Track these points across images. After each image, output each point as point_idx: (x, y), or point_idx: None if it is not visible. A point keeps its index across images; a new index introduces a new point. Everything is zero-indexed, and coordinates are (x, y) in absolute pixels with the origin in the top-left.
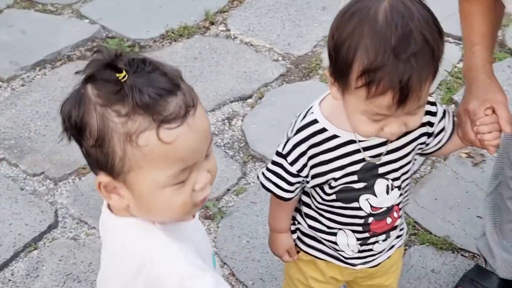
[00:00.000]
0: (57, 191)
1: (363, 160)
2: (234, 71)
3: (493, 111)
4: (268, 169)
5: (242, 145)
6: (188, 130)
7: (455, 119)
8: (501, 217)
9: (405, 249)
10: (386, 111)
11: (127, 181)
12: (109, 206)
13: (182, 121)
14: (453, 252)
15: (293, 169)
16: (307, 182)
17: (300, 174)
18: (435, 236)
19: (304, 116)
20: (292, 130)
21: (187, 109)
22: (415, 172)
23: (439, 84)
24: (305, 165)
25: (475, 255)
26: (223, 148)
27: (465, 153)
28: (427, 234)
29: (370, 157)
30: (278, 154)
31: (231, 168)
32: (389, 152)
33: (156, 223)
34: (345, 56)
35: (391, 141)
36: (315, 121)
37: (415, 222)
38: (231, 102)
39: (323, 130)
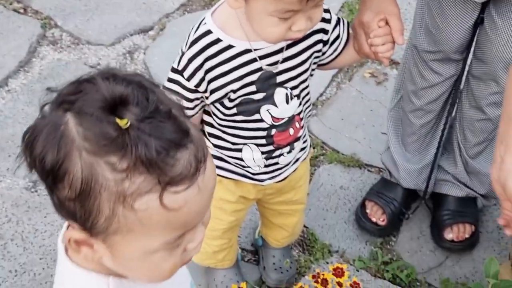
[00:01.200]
0: None
1: (260, 69)
2: (133, 3)
3: (387, 23)
4: (164, 88)
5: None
6: (197, 192)
7: (351, 31)
8: (403, 130)
9: (315, 169)
10: (297, 5)
11: (109, 241)
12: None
13: (191, 182)
14: (360, 168)
15: (191, 84)
16: (206, 98)
17: (198, 89)
18: (343, 154)
19: (197, 28)
20: (186, 43)
21: (198, 166)
22: (321, 94)
23: (341, 6)
24: (202, 80)
25: (381, 169)
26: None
27: (369, 72)
28: (335, 153)
29: (267, 65)
30: (174, 70)
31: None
32: (285, 59)
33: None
34: None
35: (287, 48)
36: (208, 32)
37: (323, 142)
38: (132, 35)
39: (218, 40)
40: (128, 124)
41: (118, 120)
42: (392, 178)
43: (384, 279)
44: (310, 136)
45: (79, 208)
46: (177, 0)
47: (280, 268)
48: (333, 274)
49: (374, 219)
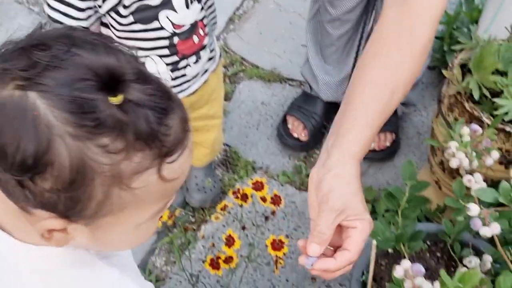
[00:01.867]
0: None
1: None
2: None
3: None
4: None
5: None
6: (188, 155)
7: None
8: (322, 41)
9: (235, 87)
10: None
11: (94, 224)
12: None
13: (184, 146)
14: (281, 83)
15: None
16: (99, 6)
17: None
18: (263, 69)
19: None
20: None
21: (186, 127)
22: (237, 9)
23: None
24: None
25: (301, 83)
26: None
27: None
28: (255, 69)
29: None
30: None
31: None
32: None
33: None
34: None
35: None
36: None
37: (242, 58)
38: None
39: None
40: (122, 99)
41: (111, 98)
42: (312, 91)
43: None
44: (228, 52)
45: (65, 198)
46: None
47: (203, 188)
48: (252, 188)
49: (295, 135)
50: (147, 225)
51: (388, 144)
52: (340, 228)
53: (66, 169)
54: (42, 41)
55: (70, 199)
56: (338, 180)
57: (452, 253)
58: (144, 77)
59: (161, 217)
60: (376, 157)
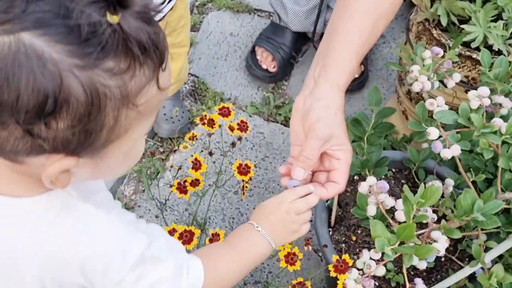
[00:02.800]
0: None
1: None
2: None
3: None
4: None
5: None
6: (170, 59)
7: None
8: None
9: (203, 17)
10: None
11: (100, 153)
12: None
13: (168, 52)
14: (250, 14)
15: None
16: None
17: None
18: (231, 0)
19: None
20: None
21: (164, 34)
22: None
23: None
24: None
25: (270, 14)
26: None
27: None
28: None
29: None
30: None
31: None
32: None
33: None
34: None
35: None
36: None
37: None
38: None
39: None
40: (120, 17)
41: (109, 17)
42: (281, 22)
43: (277, 122)
44: None
45: (79, 133)
46: None
47: (171, 118)
48: (219, 114)
49: (264, 66)
50: (139, 144)
51: (357, 75)
52: (322, 156)
53: (81, 103)
54: None
55: (84, 133)
56: (326, 110)
57: (416, 180)
58: None
59: None
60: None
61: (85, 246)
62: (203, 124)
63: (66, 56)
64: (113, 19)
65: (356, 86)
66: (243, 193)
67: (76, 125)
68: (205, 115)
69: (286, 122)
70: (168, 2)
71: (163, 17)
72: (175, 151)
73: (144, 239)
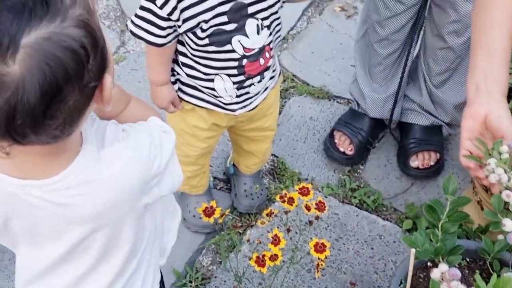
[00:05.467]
0: None
1: (232, 0)
2: None
3: None
4: (137, 16)
5: (118, 14)
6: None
7: None
8: (369, 60)
9: (285, 101)
10: None
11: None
12: None
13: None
14: (329, 100)
15: (163, 12)
16: (179, 26)
17: (171, 17)
18: (312, 86)
19: None
20: None
21: None
22: (291, 28)
23: None
24: (174, 8)
25: (349, 101)
26: (99, 19)
27: (339, 6)
28: (305, 86)
29: None
30: None
31: (109, 38)
32: None
33: None
34: None
35: None
36: None
37: (294, 75)
38: None
39: None
40: None
41: None
42: (359, 108)
43: (352, 204)
44: (281, 69)
45: (101, 58)
46: None
47: (251, 194)
48: (298, 193)
49: (342, 149)
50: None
51: (432, 163)
52: None
53: (96, 41)
54: None
55: (102, 56)
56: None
57: (491, 271)
58: None
59: (213, 213)
60: (419, 175)
61: (129, 170)
62: (283, 201)
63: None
64: None
65: (431, 173)
66: (317, 271)
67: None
68: (285, 193)
69: (360, 205)
70: (263, 92)
71: (256, 107)
72: (252, 226)
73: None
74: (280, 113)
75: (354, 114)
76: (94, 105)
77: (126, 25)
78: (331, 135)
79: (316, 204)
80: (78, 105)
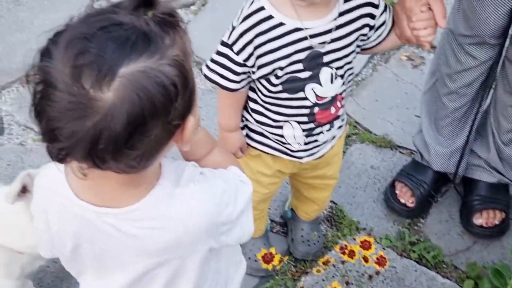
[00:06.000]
0: (1, 99)
1: (308, 48)
2: None
3: (429, 8)
4: (212, 60)
5: None
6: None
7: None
8: (436, 113)
9: (347, 148)
10: None
11: (193, 111)
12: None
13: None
14: (392, 149)
15: (239, 58)
16: (253, 72)
17: (246, 63)
18: (375, 135)
19: (251, 4)
20: (238, 18)
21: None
22: (356, 75)
23: None
24: (251, 55)
25: (412, 151)
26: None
27: (406, 55)
28: (367, 133)
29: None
30: (223, 43)
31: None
32: (333, 40)
33: None
34: None
35: (336, 29)
36: (261, 8)
37: (356, 122)
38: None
39: (270, 17)
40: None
41: (149, 14)
42: (423, 160)
43: (410, 259)
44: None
45: (187, 98)
46: None
47: (308, 241)
48: (360, 246)
49: (403, 200)
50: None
51: (497, 222)
52: None
53: (189, 74)
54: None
55: (190, 95)
56: None
57: None
58: None
59: (272, 260)
60: (483, 233)
61: (199, 212)
62: (343, 253)
63: (170, 42)
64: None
65: (495, 233)
66: None
67: (187, 94)
68: (346, 245)
69: (419, 260)
70: (330, 141)
71: (322, 155)
72: (307, 273)
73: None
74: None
75: (417, 165)
76: (173, 144)
77: (201, 70)
78: (392, 186)
79: (377, 258)
80: (159, 140)
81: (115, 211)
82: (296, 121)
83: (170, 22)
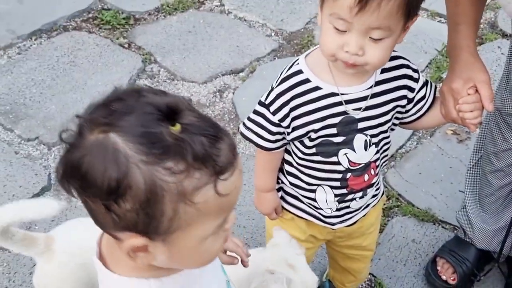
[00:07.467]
0: (50, 155)
1: (342, 113)
2: (227, 45)
3: (476, 90)
4: (249, 119)
5: (232, 117)
6: (238, 175)
7: (438, 95)
8: (481, 190)
9: (388, 220)
10: (347, 13)
11: (168, 239)
12: (100, 257)
13: (234, 167)
14: (434, 224)
15: (275, 118)
16: (288, 134)
17: (282, 124)
18: (418, 208)
19: (290, 67)
20: (277, 80)
21: (235, 152)
22: (401, 147)
23: (429, 63)
24: (287, 115)
25: (455, 227)
26: (214, 120)
27: (451, 130)
28: (410, 206)
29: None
30: (261, 103)
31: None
32: (368, 107)
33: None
34: None
35: (371, 97)
36: (299, 72)
37: (399, 194)
38: (223, 75)
39: (307, 80)
40: (180, 129)
41: (172, 128)
42: (466, 237)
43: None
44: (386, 187)
45: (142, 216)
46: (268, 46)
47: None
48: None
49: (444, 277)
50: (211, 241)
51: None
52: None
53: (141, 190)
54: (118, 96)
55: (147, 216)
56: None
57: None
58: (195, 111)
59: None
60: None
61: None
62: None
63: (135, 152)
64: (174, 129)
65: None
66: None
67: (139, 208)
68: None
69: None
70: (364, 209)
71: (355, 222)
72: None
73: None
74: (381, 231)
75: (459, 242)
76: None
77: (238, 128)
78: (433, 261)
79: None
80: (94, 209)
81: None
82: (328, 186)
83: (209, 163)
